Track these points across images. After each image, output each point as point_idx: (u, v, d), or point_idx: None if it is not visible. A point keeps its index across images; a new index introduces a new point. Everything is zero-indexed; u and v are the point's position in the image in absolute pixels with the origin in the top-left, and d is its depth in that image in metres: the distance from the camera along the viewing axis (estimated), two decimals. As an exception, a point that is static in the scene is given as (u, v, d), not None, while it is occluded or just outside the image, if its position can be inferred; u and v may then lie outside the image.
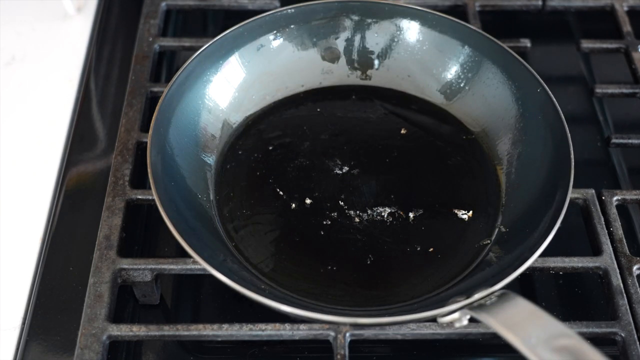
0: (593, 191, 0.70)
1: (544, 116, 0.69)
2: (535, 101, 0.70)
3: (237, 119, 0.75)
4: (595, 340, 0.56)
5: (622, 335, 0.61)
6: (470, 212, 0.69)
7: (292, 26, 0.77)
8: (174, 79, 0.69)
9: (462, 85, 0.76)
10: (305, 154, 0.73)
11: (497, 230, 0.67)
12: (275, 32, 0.77)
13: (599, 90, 0.81)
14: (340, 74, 0.79)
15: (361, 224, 0.68)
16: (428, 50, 0.78)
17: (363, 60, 0.79)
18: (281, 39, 0.77)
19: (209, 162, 0.71)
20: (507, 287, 0.56)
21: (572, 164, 0.65)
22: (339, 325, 0.61)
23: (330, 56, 0.78)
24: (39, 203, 0.73)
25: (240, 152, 0.73)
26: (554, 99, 0.69)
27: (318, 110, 0.78)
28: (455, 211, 0.69)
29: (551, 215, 0.62)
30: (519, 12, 0.90)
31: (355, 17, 0.78)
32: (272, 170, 0.72)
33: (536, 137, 0.69)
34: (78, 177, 0.76)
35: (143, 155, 0.67)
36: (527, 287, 0.70)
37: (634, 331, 0.61)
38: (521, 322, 0.51)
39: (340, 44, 0.79)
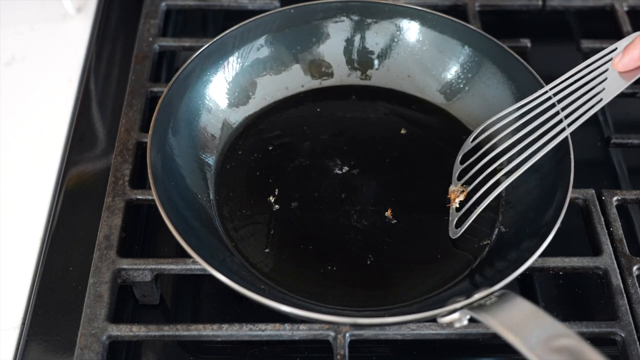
0: (593, 191, 0.70)
1: (544, 116, 0.69)
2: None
3: (237, 119, 0.75)
4: (595, 340, 0.56)
5: (622, 335, 0.61)
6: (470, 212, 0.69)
7: (291, 27, 0.77)
8: (173, 79, 0.69)
9: (462, 85, 0.76)
10: (305, 154, 0.73)
11: (497, 230, 0.67)
12: (275, 32, 0.77)
13: (599, 90, 0.81)
14: (340, 74, 0.79)
15: (361, 224, 0.68)
16: (428, 51, 0.78)
17: (363, 60, 0.79)
18: (281, 39, 0.77)
19: (209, 162, 0.71)
20: (507, 287, 0.56)
21: (572, 164, 0.65)
22: (338, 326, 0.61)
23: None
24: (39, 203, 0.73)
25: (240, 152, 0.73)
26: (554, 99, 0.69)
27: (318, 110, 0.78)
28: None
29: (551, 215, 0.62)
30: (519, 12, 0.90)
31: (355, 17, 0.78)
32: (272, 170, 0.72)
33: (536, 137, 0.70)
34: (78, 177, 0.76)
35: (143, 155, 0.67)
36: (527, 287, 0.70)
37: (634, 331, 0.61)
38: (521, 322, 0.51)
39: (340, 44, 0.79)
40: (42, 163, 0.77)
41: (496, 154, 0.67)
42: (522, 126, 0.67)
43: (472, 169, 0.68)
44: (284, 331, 0.60)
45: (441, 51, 0.77)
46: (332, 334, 0.61)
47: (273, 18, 0.77)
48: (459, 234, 0.66)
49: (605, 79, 0.65)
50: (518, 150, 0.65)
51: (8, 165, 0.77)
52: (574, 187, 0.63)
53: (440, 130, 0.76)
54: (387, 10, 0.78)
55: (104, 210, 0.67)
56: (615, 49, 0.66)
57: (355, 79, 0.80)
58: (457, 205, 0.68)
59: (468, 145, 0.71)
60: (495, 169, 0.66)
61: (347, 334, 0.60)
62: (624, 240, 0.67)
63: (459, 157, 0.71)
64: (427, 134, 0.75)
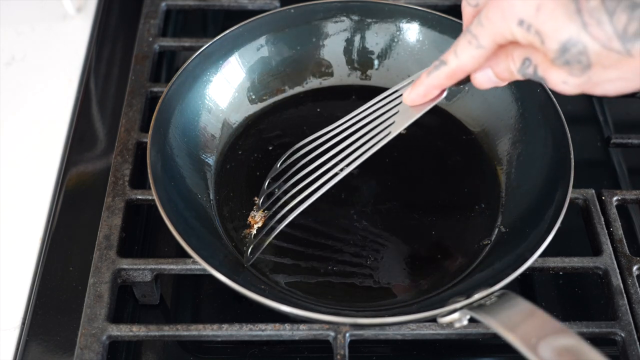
0: (593, 191, 0.70)
1: (544, 116, 0.69)
2: (535, 101, 0.70)
3: (237, 119, 0.75)
4: (595, 340, 0.56)
5: (622, 335, 0.61)
6: (470, 212, 0.69)
7: (291, 27, 0.77)
8: (174, 79, 0.69)
9: (462, 85, 0.76)
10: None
11: (497, 230, 0.67)
12: (275, 32, 0.77)
13: (599, 90, 0.81)
14: (340, 74, 0.79)
15: (361, 224, 0.68)
16: (428, 50, 0.78)
17: (363, 60, 0.79)
18: (281, 39, 0.77)
19: (209, 162, 0.71)
20: (507, 287, 0.56)
21: (572, 164, 0.65)
22: (338, 326, 0.61)
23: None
24: (39, 203, 0.73)
25: (240, 152, 0.73)
26: (554, 99, 0.69)
27: (318, 110, 0.78)
28: (455, 211, 0.69)
29: (551, 215, 0.62)
30: (519, 12, 0.90)
31: (355, 17, 0.78)
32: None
33: (536, 137, 0.69)
34: (78, 177, 0.76)
35: (143, 155, 0.67)
36: (527, 287, 0.70)
37: (634, 331, 0.61)
38: (521, 322, 0.51)
39: (340, 44, 0.79)
40: (42, 163, 0.77)
41: (297, 179, 0.65)
42: (322, 153, 0.65)
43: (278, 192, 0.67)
44: (284, 331, 0.61)
45: (441, 51, 0.76)
46: (332, 334, 0.61)
47: (273, 18, 0.77)
48: (251, 261, 0.64)
49: (398, 111, 0.64)
50: (312, 179, 0.64)
51: (8, 165, 0.77)
52: (574, 187, 0.63)
53: (440, 130, 0.76)
54: (387, 10, 0.78)
55: (104, 210, 0.67)
56: (412, 81, 0.65)
57: (355, 79, 0.80)
58: (255, 232, 0.67)
59: (276, 169, 0.70)
60: (293, 194, 0.64)
61: (347, 334, 0.60)
62: (624, 240, 0.67)
63: (267, 182, 0.69)
64: (427, 134, 0.75)
